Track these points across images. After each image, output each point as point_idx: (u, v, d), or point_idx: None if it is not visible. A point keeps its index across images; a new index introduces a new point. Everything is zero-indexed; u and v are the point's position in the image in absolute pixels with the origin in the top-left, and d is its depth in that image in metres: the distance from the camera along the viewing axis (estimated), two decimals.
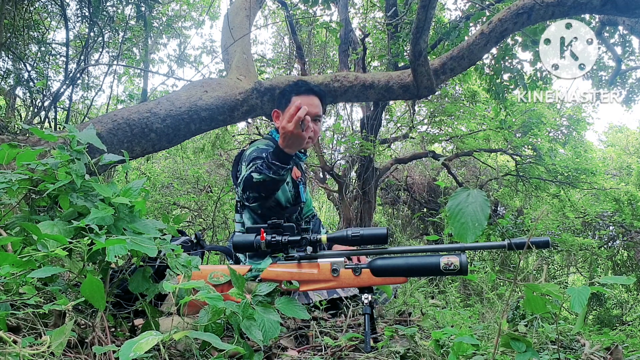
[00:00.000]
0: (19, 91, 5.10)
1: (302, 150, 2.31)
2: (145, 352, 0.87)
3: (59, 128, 4.42)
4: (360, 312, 1.83)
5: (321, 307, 1.81)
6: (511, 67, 5.41)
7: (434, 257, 1.39)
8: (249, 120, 7.63)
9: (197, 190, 7.70)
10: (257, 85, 3.45)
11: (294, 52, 7.35)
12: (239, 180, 1.99)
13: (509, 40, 5.04)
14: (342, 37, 6.46)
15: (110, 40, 5.82)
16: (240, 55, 4.10)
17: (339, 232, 1.51)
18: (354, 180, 7.54)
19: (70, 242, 1.11)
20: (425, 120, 8.76)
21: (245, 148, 2.31)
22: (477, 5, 5.30)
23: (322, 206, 11.12)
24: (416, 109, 8.49)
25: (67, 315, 1.10)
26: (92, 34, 4.99)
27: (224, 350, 1.03)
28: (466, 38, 4.06)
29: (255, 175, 1.85)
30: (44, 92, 4.82)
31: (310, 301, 1.87)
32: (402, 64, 5.76)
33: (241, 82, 3.60)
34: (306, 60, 7.49)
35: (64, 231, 1.20)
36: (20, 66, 4.82)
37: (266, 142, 2.23)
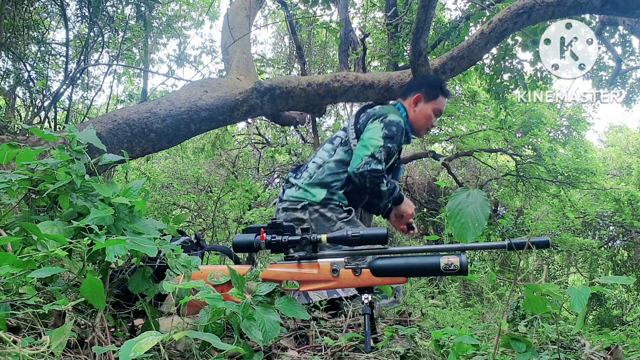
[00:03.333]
0: (19, 91, 5.11)
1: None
2: (145, 352, 0.87)
3: (59, 128, 4.41)
4: (360, 312, 1.83)
5: (321, 307, 1.81)
6: (511, 67, 5.40)
7: (434, 257, 1.39)
8: (249, 120, 7.63)
9: (197, 190, 7.71)
10: (257, 85, 3.45)
11: (294, 52, 7.35)
12: (371, 156, 2.20)
13: (509, 40, 5.04)
14: (342, 37, 6.45)
15: (110, 40, 5.82)
16: (240, 55, 4.10)
17: (339, 232, 1.51)
18: None
19: (70, 242, 1.11)
20: None
21: (373, 105, 2.48)
22: (477, 5, 5.30)
23: None
24: None
25: (67, 315, 1.10)
26: (92, 34, 4.99)
27: (224, 350, 1.03)
28: (466, 38, 4.05)
29: (383, 186, 2.22)
30: (44, 92, 4.82)
31: (310, 301, 1.87)
32: (402, 64, 5.76)
33: (241, 82, 3.60)
34: (306, 60, 7.49)
35: (64, 231, 1.20)
36: (20, 66, 4.82)
37: (398, 117, 2.36)
